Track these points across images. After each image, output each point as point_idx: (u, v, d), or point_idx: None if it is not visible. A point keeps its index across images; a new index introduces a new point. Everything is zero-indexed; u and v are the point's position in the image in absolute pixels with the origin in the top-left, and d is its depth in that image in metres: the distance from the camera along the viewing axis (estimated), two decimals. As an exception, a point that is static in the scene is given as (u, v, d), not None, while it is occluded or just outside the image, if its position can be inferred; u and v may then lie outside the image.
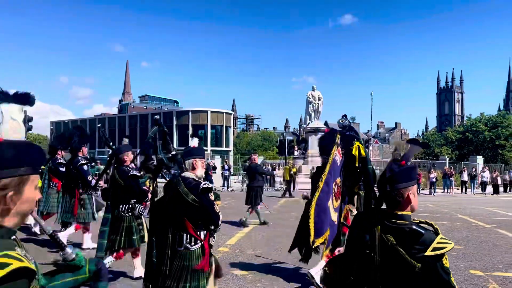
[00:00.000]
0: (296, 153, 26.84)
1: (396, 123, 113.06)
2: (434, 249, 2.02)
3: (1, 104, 1.72)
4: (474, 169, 28.84)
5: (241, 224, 10.34)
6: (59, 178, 7.88)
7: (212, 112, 55.16)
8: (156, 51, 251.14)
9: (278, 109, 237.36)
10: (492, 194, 25.31)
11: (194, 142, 4.00)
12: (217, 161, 29.41)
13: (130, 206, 5.49)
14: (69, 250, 1.58)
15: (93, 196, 7.37)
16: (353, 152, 2.75)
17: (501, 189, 26.67)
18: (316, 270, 5.07)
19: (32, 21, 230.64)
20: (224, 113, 57.95)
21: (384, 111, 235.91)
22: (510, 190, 27.45)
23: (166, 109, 78.78)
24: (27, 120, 22.14)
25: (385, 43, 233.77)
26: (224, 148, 52.17)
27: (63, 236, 6.98)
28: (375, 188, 2.59)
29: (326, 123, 60.91)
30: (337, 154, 3.06)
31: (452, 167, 32.08)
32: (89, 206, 7.27)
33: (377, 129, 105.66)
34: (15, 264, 1.17)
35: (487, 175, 26.92)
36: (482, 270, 6.69)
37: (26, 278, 1.22)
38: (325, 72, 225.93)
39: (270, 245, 8.10)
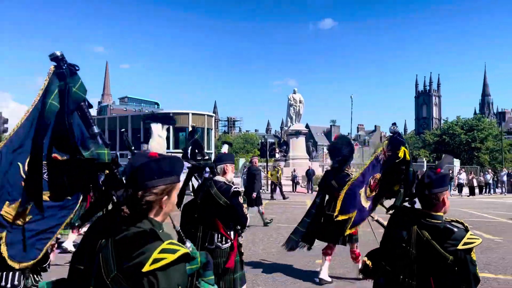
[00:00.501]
0: (277, 155, 26.92)
1: (375, 126, 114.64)
2: (465, 244, 2.34)
3: (151, 124, 2.29)
4: (451, 171, 29.47)
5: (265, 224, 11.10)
6: None
7: (193, 114, 54.79)
8: (137, 53, 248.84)
9: (259, 112, 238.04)
10: (468, 196, 25.90)
11: (224, 149, 4.47)
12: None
13: None
14: (188, 244, 1.80)
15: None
16: (400, 155, 3.07)
17: (477, 190, 27.30)
18: (323, 273, 5.89)
19: (9, 19, 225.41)
20: (206, 115, 57.62)
21: (364, 114, 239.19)
22: (485, 192, 28.13)
23: (147, 111, 77.95)
24: (3, 121, 21.48)
25: (365, 47, 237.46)
26: (205, 151, 51.99)
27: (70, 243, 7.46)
28: (413, 190, 2.92)
29: (307, 126, 61.41)
30: (381, 154, 3.37)
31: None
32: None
33: (357, 131, 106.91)
34: (182, 251, 1.47)
35: (463, 177, 27.50)
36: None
37: (186, 262, 1.52)
38: (306, 75, 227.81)
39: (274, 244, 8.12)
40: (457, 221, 2.50)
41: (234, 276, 3.89)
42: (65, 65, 2.02)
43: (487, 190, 28.30)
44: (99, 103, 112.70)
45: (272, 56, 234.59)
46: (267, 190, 21.32)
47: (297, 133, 32.00)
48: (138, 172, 1.58)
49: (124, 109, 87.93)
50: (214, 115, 68.20)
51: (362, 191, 3.47)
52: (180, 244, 1.54)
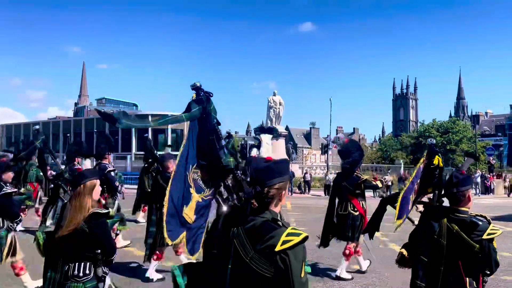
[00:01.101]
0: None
1: (354, 128, 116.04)
2: (489, 234, 2.76)
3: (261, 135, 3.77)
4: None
5: None
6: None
7: (172, 115, 54.35)
8: (115, 53, 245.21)
9: (239, 114, 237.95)
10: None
11: (254, 152, 4.98)
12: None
13: None
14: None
15: (116, 200, 8.11)
16: (435, 162, 3.56)
17: (452, 191, 27.84)
18: (340, 270, 6.31)
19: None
20: (185, 117, 57.16)
21: (343, 117, 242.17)
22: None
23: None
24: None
25: (343, 51, 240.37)
26: (185, 153, 51.58)
27: None
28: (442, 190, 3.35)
29: (287, 128, 61.61)
30: (423, 162, 3.83)
31: (407, 171, 33.32)
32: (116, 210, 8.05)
33: (336, 133, 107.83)
34: (304, 234, 1.86)
35: (439, 179, 28.02)
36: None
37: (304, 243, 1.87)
38: (286, 77, 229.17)
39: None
40: (481, 215, 2.93)
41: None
42: (202, 92, 2.62)
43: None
44: (76, 104, 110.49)
45: (252, 58, 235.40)
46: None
47: (277, 135, 32.11)
48: (262, 173, 2.01)
49: (102, 110, 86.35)
50: (193, 117, 67.59)
51: (411, 196, 3.76)
52: (299, 229, 1.92)
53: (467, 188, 2.96)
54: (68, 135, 51.18)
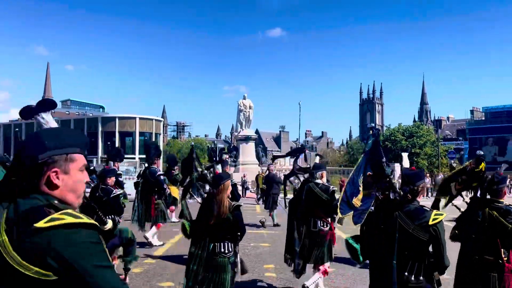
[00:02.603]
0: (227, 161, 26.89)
1: (322, 132, 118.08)
2: None
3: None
4: (392, 176, 30.86)
5: (261, 224, 11.87)
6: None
7: (140, 118, 53.50)
8: (82, 54, 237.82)
9: (210, 117, 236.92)
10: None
11: (316, 159, 6.00)
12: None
13: None
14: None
15: (163, 201, 8.93)
16: (481, 167, 4.34)
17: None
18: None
19: None
20: (154, 120, 56.50)
21: (312, 121, 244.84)
22: (425, 195, 29.88)
23: (91, 114, 74.98)
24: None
25: (312, 56, 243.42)
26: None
27: (151, 235, 8.68)
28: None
29: (257, 131, 61.89)
30: (469, 166, 4.56)
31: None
32: (164, 210, 8.86)
33: (305, 137, 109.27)
34: (444, 214, 3.23)
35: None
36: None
37: None
38: (256, 81, 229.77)
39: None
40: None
41: (326, 248, 5.62)
42: (376, 130, 4.08)
43: (426, 193, 30.04)
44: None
45: (222, 62, 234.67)
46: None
47: (247, 139, 32.17)
48: (411, 177, 3.35)
49: (67, 112, 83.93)
50: (162, 119, 66.85)
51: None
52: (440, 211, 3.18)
53: (504, 185, 4.02)
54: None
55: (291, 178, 8.25)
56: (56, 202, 1.39)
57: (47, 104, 2.81)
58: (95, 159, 41.08)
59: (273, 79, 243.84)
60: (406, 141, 57.77)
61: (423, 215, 3.09)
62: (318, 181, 5.71)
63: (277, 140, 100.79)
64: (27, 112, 2.84)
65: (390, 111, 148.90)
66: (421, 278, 3.08)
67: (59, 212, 1.34)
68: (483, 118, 77.07)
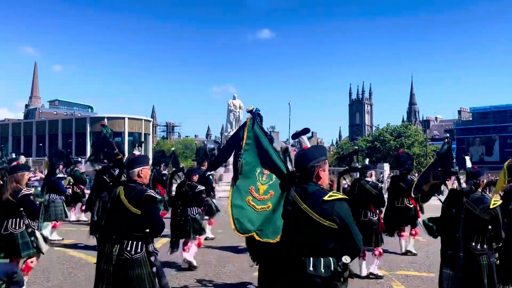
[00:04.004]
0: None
1: (312, 132, 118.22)
2: (494, 204, 4.18)
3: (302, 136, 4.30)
4: (382, 176, 31.09)
5: None
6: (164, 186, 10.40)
7: (129, 118, 53.08)
8: (70, 54, 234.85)
9: (199, 117, 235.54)
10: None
11: (366, 161, 5.89)
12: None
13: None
14: None
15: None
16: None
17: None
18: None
19: None
20: (143, 120, 56.10)
21: (302, 121, 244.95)
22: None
23: (80, 114, 74.18)
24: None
25: (301, 57, 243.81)
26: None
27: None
28: None
29: (246, 132, 61.65)
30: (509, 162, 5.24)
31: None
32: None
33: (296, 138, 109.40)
34: (500, 201, 4.29)
35: (392, 181, 29.05)
36: (386, 269, 7.22)
37: None
38: (246, 82, 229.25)
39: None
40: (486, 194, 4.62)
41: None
42: (450, 139, 5.12)
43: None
44: (27, 106, 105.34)
45: (211, 62, 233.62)
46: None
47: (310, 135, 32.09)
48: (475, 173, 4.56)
49: (55, 112, 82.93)
50: (152, 120, 66.38)
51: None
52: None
53: (483, 177, 4.49)
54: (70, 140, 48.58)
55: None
56: (322, 186, 2.78)
57: (304, 131, 4.31)
58: (83, 160, 40.56)
59: (263, 79, 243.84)
60: (394, 141, 58.25)
61: (485, 201, 4.21)
62: (368, 179, 7.02)
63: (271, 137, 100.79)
64: (295, 135, 4.40)
65: (379, 112, 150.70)
66: (485, 246, 4.19)
67: (332, 192, 2.70)
68: (471, 119, 78.00)
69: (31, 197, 5.30)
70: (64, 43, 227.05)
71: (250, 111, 3.76)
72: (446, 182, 5.88)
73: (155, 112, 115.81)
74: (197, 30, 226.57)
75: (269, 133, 3.97)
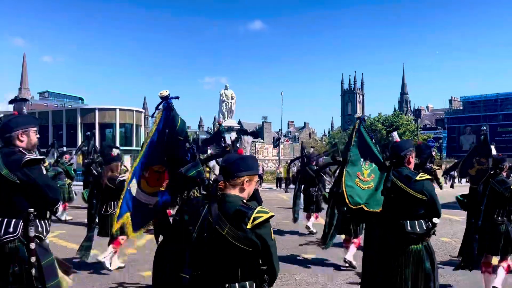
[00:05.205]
0: (209, 152, 26.82)
1: (305, 123, 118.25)
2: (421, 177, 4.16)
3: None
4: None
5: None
6: None
7: (121, 110, 52.62)
8: (60, 45, 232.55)
9: (191, 108, 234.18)
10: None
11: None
12: (127, 161, 28.20)
13: None
14: None
15: None
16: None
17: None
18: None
19: None
20: (134, 111, 55.62)
21: (294, 111, 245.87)
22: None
23: (70, 106, 73.46)
24: None
25: (293, 48, 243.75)
26: (134, 148, 50.16)
27: None
28: None
29: (239, 122, 61.62)
30: None
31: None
32: None
33: (288, 128, 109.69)
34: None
35: (384, 170, 29.37)
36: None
37: None
38: (238, 72, 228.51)
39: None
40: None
41: None
42: (485, 131, 4.88)
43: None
44: (16, 97, 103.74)
45: (203, 53, 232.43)
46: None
47: (230, 129, 32.09)
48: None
49: (45, 104, 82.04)
50: (143, 111, 65.94)
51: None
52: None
53: (506, 163, 5.43)
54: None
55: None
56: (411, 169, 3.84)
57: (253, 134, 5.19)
58: (74, 151, 40.27)
59: (255, 70, 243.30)
60: (386, 130, 58.55)
61: (507, 183, 5.13)
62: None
63: (260, 130, 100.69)
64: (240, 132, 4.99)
65: (371, 101, 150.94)
66: (504, 218, 5.17)
67: (421, 173, 3.71)
68: (461, 108, 78.54)
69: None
70: (54, 34, 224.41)
71: (358, 118, 4.75)
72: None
73: (147, 104, 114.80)
74: (189, 21, 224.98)
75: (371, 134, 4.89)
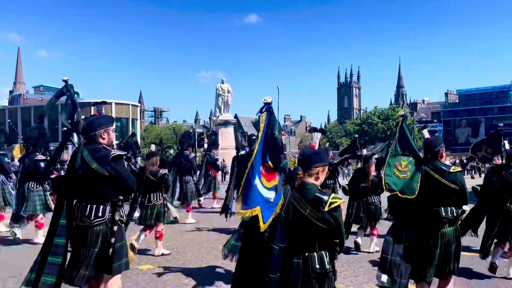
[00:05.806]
0: (206, 145, 26.76)
1: (301, 116, 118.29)
2: None
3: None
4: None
5: None
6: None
7: (116, 104, 52.52)
8: (56, 40, 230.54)
9: (188, 102, 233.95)
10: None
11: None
12: (123, 155, 28.07)
13: None
14: None
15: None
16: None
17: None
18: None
19: None
20: (130, 105, 55.57)
21: (290, 105, 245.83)
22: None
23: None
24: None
25: (289, 41, 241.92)
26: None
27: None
28: None
29: (236, 116, 61.63)
30: None
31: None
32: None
33: (284, 122, 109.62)
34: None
35: (380, 163, 29.55)
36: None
37: None
38: (234, 66, 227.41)
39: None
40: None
41: None
42: (500, 127, 7.23)
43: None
44: (11, 92, 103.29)
45: (199, 47, 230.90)
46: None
47: (226, 123, 32.05)
48: None
49: (40, 98, 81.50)
50: (139, 105, 65.72)
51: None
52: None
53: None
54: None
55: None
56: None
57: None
58: (70, 146, 40.08)
59: (251, 64, 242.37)
60: (382, 123, 58.68)
61: None
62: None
63: (256, 124, 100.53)
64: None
65: (367, 95, 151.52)
66: None
67: (454, 166, 4.31)
68: (457, 101, 78.77)
69: (166, 176, 6.95)
70: (49, 28, 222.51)
71: (402, 115, 5.14)
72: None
73: (143, 97, 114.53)
74: (184, 15, 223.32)
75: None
